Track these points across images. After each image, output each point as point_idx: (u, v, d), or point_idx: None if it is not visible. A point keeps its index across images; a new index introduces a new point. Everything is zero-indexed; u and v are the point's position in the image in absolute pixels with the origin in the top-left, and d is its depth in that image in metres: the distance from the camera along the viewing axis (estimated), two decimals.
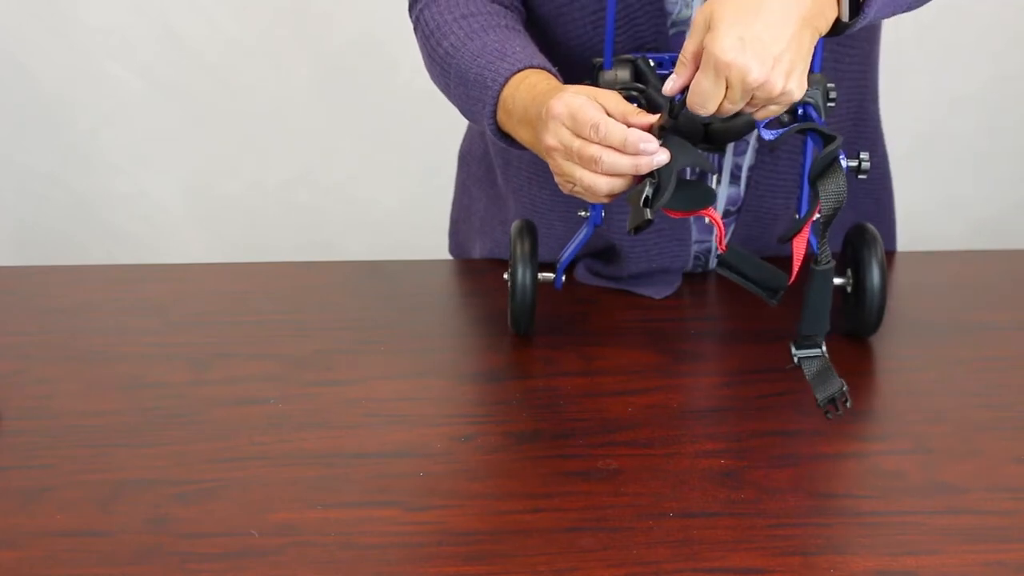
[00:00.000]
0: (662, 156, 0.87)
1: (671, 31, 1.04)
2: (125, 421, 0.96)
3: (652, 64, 0.97)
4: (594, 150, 0.87)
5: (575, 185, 0.91)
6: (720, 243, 0.95)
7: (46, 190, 2.42)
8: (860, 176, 0.97)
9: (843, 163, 0.88)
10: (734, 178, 1.12)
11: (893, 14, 0.96)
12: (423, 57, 1.09)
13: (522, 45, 1.01)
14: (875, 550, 0.80)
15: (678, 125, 0.94)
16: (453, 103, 1.06)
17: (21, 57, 2.30)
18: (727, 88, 0.84)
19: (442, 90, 1.08)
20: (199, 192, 2.42)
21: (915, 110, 2.21)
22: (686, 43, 0.86)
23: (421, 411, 0.97)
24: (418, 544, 0.81)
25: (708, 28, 0.84)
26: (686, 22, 1.04)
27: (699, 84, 0.84)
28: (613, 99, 0.90)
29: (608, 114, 0.88)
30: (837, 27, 0.89)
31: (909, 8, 0.98)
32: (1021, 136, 2.34)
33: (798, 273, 0.91)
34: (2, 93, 2.33)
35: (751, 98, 0.85)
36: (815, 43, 0.87)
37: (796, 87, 0.85)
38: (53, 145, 2.38)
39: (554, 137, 0.89)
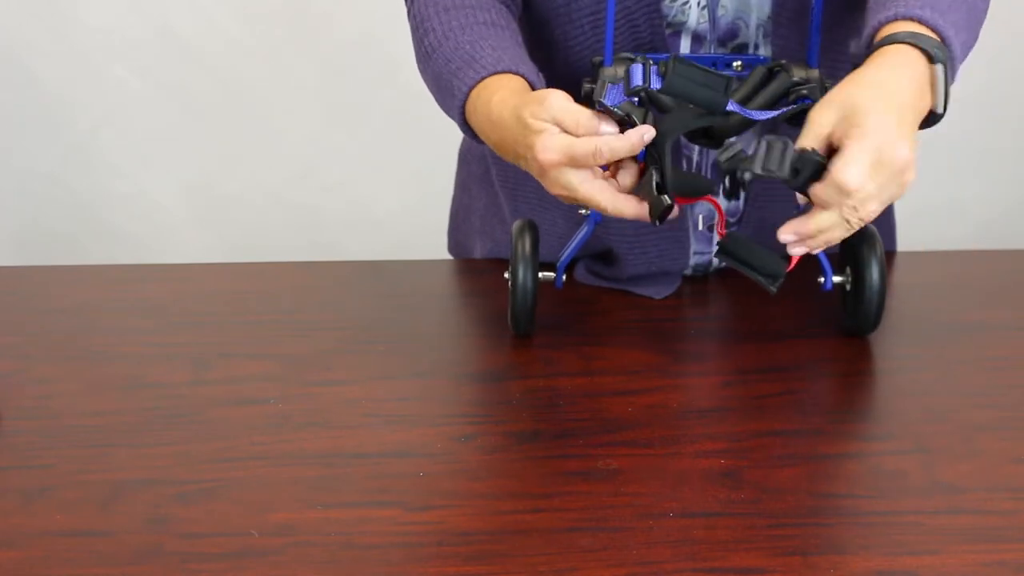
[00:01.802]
0: (627, 180, 0.91)
1: (667, 31, 1.04)
2: (125, 421, 0.96)
3: (651, 62, 0.97)
4: (569, 180, 0.89)
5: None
6: (720, 229, 0.95)
7: (46, 190, 2.42)
8: None
9: None
10: None
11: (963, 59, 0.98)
12: (414, 49, 1.08)
13: (493, 46, 0.99)
14: (875, 550, 0.80)
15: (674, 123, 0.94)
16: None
17: (21, 57, 2.30)
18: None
19: (427, 85, 1.07)
20: (199, 192, 2.42)
21: None
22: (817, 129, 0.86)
23: (421, 411, 0.97)
24: (418, 544, 0.81)
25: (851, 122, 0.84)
26: (682, 25, 1.04)
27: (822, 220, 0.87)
28: (583, 116, 0.89)
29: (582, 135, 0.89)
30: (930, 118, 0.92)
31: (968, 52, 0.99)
32: (1021, 137, 2.34)
33: (796, 263, 0.92)
34: (2, 93, 2.33)
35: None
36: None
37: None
38: (53, 145, 2.38)
39: (557, 187, 0.91)
